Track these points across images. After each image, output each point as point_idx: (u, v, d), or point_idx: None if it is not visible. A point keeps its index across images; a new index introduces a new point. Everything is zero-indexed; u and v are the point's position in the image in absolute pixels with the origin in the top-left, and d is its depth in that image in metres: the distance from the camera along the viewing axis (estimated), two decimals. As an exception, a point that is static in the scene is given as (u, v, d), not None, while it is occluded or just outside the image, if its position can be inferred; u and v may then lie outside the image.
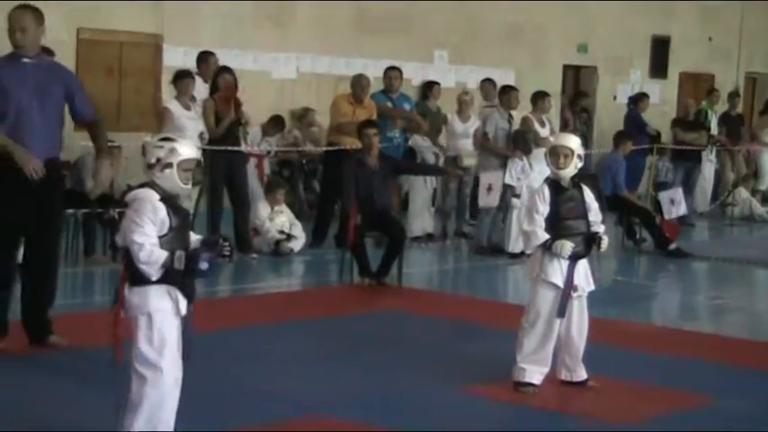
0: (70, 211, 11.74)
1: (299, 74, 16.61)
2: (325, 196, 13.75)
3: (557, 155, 7.24)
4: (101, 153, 8.08)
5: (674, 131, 17.79)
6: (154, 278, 5.29)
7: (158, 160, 5.35)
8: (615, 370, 7.81)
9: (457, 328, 9.37)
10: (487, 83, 16.59)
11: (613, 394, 7.31)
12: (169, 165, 5.35)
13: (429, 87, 16.63)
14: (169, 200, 5.39)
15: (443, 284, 12.42)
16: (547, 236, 7.17)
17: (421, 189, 14.30)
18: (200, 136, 12.10)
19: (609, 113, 20.66)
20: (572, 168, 7.22)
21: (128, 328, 5.42)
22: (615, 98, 21.47)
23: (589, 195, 7.38)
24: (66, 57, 13.90)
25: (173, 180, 5.37)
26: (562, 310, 7.19)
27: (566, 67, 21.31)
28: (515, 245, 12.90)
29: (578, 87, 21.50)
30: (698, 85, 22.53)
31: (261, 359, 7.65)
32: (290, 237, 12.69)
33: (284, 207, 13.04)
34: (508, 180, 13.26)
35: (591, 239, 7.27)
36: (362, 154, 11.40)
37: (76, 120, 8.15)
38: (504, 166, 13.47)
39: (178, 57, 15.27)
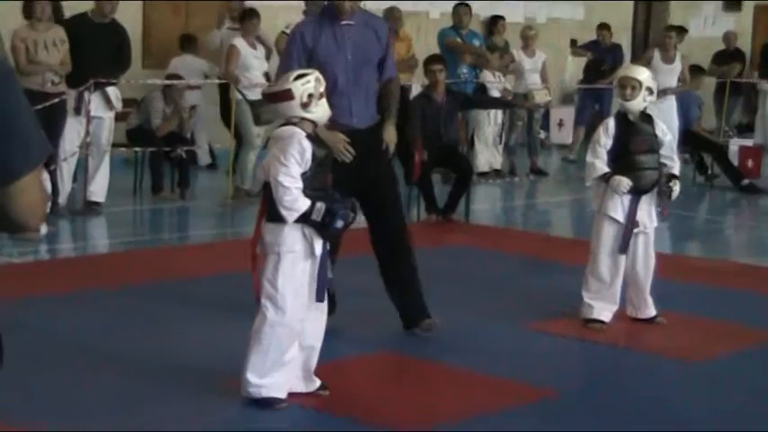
0: (138, 149, 11.84)
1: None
2: None
3: (623, 86, 7.09)
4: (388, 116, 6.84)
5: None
6: (289, 222, 5.25)
7: (311, 96, 5.33)
8: (686, 306, 7.71)
9: (526, 264, 9.30)
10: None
11: (683, 331, 7.21)
12: (321, 94, 5.37)
13: (494, 23, 16.43)
14: (315, 136, 5.38)
15: (512, 221, 12.34)
16: (606, 169, 7.08)
17: (486, 125, 14.19)
18: (266, 75, 12.07)
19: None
20: (640, 101, 7.07)
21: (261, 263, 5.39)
22: (687, 32, 21.05)
23: (661, 129, 7.23)
24: (132, -5, 13.93)
25: (325, 108, 5.40)
26: (624, 246, 7.09)
27: (637, 1, 20.93)
28: None
29: (649, 21, 21.12)
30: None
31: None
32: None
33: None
34: None
35: (661, 177, 7.13)
36: (428, 89, 11.34)
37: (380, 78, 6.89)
38: None
39: (244, -7, 15.19)
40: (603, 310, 7.15)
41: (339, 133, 6.39)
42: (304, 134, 5.30)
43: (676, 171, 7.23)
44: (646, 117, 7.19)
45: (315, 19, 6.74)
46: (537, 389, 5.96)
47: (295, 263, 5.30)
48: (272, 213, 5.30)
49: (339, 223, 5.29)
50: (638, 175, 7.07)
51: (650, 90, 7.10)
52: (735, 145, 14.80)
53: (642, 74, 7.18)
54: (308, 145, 5.27)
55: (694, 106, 14.26)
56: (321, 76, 5.46)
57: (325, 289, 5.42)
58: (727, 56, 18.55)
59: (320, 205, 5.25)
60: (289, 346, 5.36)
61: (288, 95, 5.34)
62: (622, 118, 7.18)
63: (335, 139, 6.34)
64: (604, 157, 7.13)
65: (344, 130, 6.46)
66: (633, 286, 7.28)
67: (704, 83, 14.84)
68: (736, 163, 14.32)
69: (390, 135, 6.72)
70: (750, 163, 14.42)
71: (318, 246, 5.33)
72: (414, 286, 6.77)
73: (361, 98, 6.57)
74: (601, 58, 16.37)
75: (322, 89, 5.38)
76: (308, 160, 5.26)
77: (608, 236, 7.13)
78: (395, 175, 6.97)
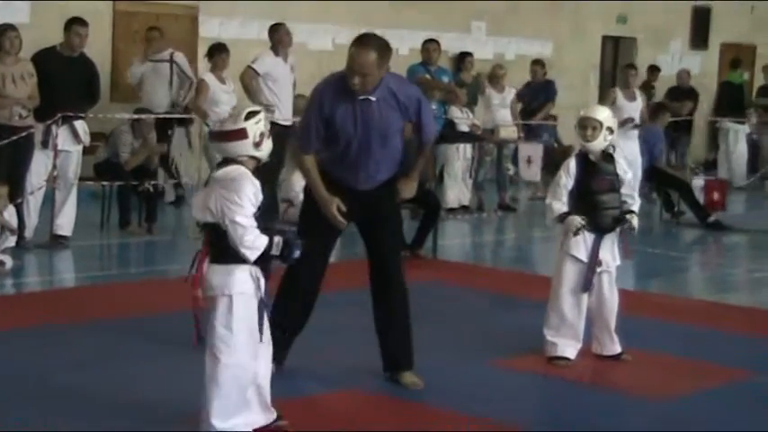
0: (105, 182, 11.81)
1: (336, 45, 16.52)
2: None
3: (584, 127, 7.12)
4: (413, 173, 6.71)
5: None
6: (251, 261, 5.24)
7: (262, 134, 5.34)
8: (651, 343, 7.75)
9: (493, 300, 9.33)
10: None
11: (648, 368, 7.24)
12: (269, 133, 5.38)
13: (462, 59, 16.52)
14: (258, 175, 5.38)
15: (479, 257, 12.37)
16: (563, 209, 7.14)
17: (455, 160, 14.26)
18: (234, 110, 12.08)
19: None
20: (601, 141, 7.10)
21: (205, 305, 5.33)
22: (660, 70, 21.23)
23: (622, 168, 7.27)
24: (102, 27, 13.96)
25: (269, 146, 5.39)
26: (587, 284, 7.13)
27: (605, 39, 21.12)
28: None
29: (617, 59, 21.31)
30: (739, 56, 22.27)
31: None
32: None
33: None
34: None
35: (622, 216, 7.18)
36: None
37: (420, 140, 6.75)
38: None
39: (214, 28, 15.26)
40: (567, 347, 7.17)
41: (335, 200, 6.36)
42: (250, 173, 5.31)
43: (635, 209, 7.28)
44: (607, 156, 7.22)
45: (337, 83, 6.38)
46: (502, 426, 5.98)
47: (246, 303, 5.30)
48: (218, 255, 5.28)
49: (296, 253, 5.34)
50: (600, 215, 7.12)
51: (611, 129, 7.14)
52: (699, 181, 14.96)
53: (602, 113, 7.20)
54: (258, 184, 5.29)
55: (659, 143, 14.37)
56: (267, 114, 5.48)
57: (264, 328, 5.42)
58: (680, 93, 18.80)
59: (278, 239, 5.28)
60: (248, 385, 5.37)
61: (242, 135, 5.31)
62: (583, 158, 7.20)
63: (327, 207, 6.38)
64: (563, 197, 7.17)
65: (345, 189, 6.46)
66: (598, 323, 7.31)
67: (668, 120, 14.96)
68: (701, 197, 14.45)
69: (406, 187, 6.57)
70: (716, 195, 14.57)
71: (263, 285, 5.36)
72: (399, 330, 6.64)
73: (371, 167, 6.44)
74: (530, 98, 16.31)
75: (269, 126, 5.40)
76: (260, 199, 5.28)
77: (570, 274, 7.16)
78: (401, 221, 6.87)
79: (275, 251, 5.27)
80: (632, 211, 7.23)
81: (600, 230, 7.13)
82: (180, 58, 13.24)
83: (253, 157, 5.35)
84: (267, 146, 5.37)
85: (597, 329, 7.34)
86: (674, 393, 6.76)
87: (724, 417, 6.40)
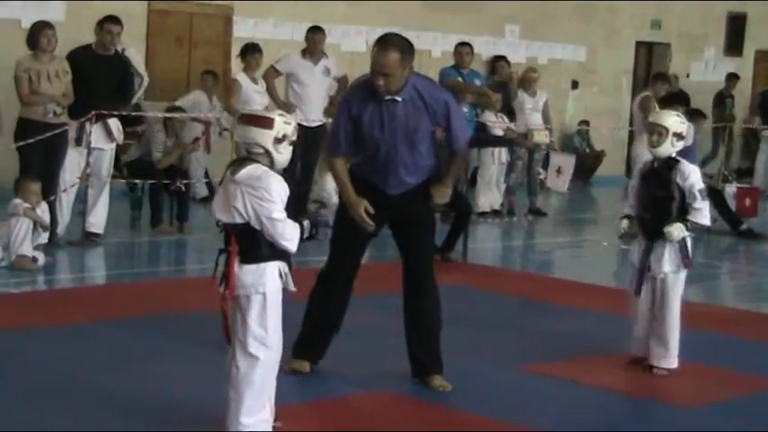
0: (137, 181, 11.85)
1: (369, 47, 16.51)
2: None
3: (651, 133, 7.12)
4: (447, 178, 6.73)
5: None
6: (293, 251, 5.34)
7: (285, 136, 5.36)
8: (682, 351, 7.66)
9: (522, 304, 9.31)
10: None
11: (679, 376, 7.19)
12: (291, 141, 5.39)
13: (495, 63, 16.48)
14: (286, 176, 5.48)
15: (509, 261, 12.35)
16: (624, 211, 7.33)
17: (491, 164, 14.23)
18: (266, 109, 12.13)
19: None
20: (667, 146, 7.06)
21: (235, 305, 5.36)
22: (688, 76, 21.18)
23: (683, 176, 7.09)
24: (137, 27, 14.03)
25: (288, 154, 5.41)
26: (637, 288, 7.21)
27: (638, 44, 21.04)
28: None
29: (651, 65, 21.22)
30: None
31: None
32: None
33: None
34: None
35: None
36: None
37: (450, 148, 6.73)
38: None
39: (248, 28, 15.29)
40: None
41: (363, 202, 6.40)
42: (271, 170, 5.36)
43: (694, 217, 7.07)
44: (671, 163, 7.14)
45: (365, 85, 6.39)
46: (529, 431, 5.97)
47: (277, 300, 5.36)
48: (248, 254, 5.32)
49: (321, 229, 5.58)
50: (651, 221, 7.14)
51: (679, 135, 7.08)
52: (731, 189, 14.87)
53: (668, 119, 7.14)
54: (282, 179, 5.34)
55: (693, 148, 14.28)
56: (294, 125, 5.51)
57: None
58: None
59: (307, 223, 5.45)
60: (275, 380, 5.43)
61: (268, 123, 5.33)
62: (650, 164, 7.26)
63: (355, 209, 6.42)
64: (630, 200, 7.33)
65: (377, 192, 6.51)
66: (652, 331, 7.27)
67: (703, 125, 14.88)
68: (733, 204, 14.37)
69: (439, 193, 6.59)
70: (747, 202, 14.49)
71: (290, 282, 5.42)
72: (429, 333, 6.66)
73: (400, 171, 6.46)
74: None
75: (294, 138, 5.41)
76: (287, 194, 5.33)
77: (629, 279, 7.35)
78: (434, 225, 6.90)
79: (306, 235, 5.43)
80: (686, 220, 7.09)
81: (650, 236, 7.15)
82: (131, 53, 12.66)
83: (268, 154, 5.35)
84: (286, 151, 5.37)
85: (652, 337, 7.29)
86: (705, 401, 6.73)
87: (750, 425, 6.38)
